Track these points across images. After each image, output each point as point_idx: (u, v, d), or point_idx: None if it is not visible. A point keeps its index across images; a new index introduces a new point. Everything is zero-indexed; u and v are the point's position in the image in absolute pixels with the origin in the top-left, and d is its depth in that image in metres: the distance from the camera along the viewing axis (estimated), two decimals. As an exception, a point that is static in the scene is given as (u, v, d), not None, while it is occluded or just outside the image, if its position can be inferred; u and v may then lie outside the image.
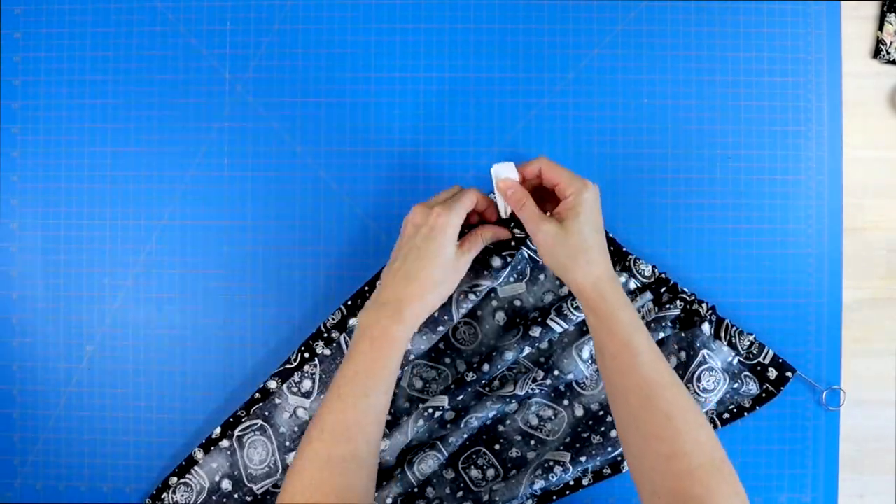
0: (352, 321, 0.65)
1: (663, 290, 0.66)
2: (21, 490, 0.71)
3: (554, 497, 0.67)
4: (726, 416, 0.68)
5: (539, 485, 0.64)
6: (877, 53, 0.69)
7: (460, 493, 0.67)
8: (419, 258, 0.55)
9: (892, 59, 0.69)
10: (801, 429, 0.69)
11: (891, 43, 0.69)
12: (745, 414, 0.67)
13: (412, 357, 0.63)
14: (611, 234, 0.67)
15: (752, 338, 0.66)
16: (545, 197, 0.59)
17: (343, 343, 0.65)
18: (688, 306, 0.66)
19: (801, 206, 0.69)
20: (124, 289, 0.70)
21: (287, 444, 0.66)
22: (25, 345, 0.71)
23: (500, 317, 0.68)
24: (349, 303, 0.67)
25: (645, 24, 0.69)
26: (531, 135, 0.69)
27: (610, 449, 0.65)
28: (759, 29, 0.69)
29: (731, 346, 0.66)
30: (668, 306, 0.66)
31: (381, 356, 0.54)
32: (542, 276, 0.68)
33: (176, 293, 0.70)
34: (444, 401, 0.64)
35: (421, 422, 0.64)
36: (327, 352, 0.66)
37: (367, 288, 0.67)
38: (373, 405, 0.54)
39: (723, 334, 0.66)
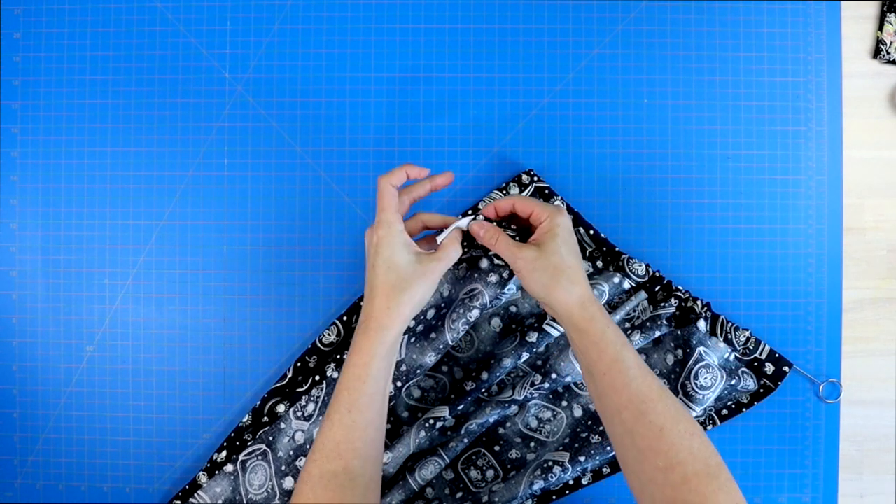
0: None
1: (657, 288, 0.66)
2: (21, 490, 0.71)
3: (553, 497, 0.67)
4: (724, 412, 0.68)
5: (538, 485, 0.64)
6: (877, 53, 0.69)
7: (459, 494, 0.67)
8: (373, 276, 0.56)
9: (892, 59, 0.69)
10: (801, 429, 0.69)
11: (891, 43, 0.69)
12: (744, 410, 0.67)
13: (404, 368, 0.63)
14: (602, 235, 0.67)
15: (747, 333, 0.66)
16: (520, 234, 0.60)
17: None
18: (682, 304, 0.66)
19: (801, 206, 0.69)
20: (124, 289, 0.70)
21: (283, 468, 0.65)
22: (25, 345, 0.71)
23: (496, 323, 0.68)
24: (344, 318, 0.67)
25: (645, 24, 0.69)
26: (531, 135, 0.69)
27: (609, 448, 0.65)
28: (759, 29, 0.69)
29: (728, 342, 0.66)
30: (662, 304, 0.66)
31: (359, 373, 0.54)
32: None
33: (176, 293, 0.70)
34: (444, 411, 0.64)
35: (423, 433, 0.64)
36: (336, 374, 0.65)
37: (361, 302, 0.67)
38: (357, 421, 0.54)
39: (718, 331, 0.66)
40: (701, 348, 0.64)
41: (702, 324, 0.65)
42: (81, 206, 0.70)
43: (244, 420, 0.67)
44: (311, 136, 0.70)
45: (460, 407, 0.65)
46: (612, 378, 0.53)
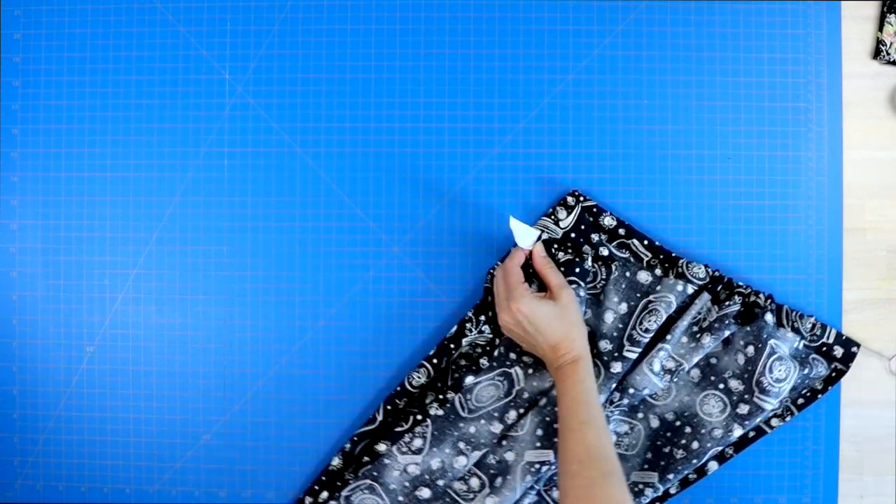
0: (468, 380, 0.66)
1: (719, 287, 0.66)
2: (21, 490, 0.71)
3: None
4: (801, 401, 0.67)
5: None
6: (877, 54, 0.69)
7: None
8: (536, 332, 0.61)
9: (892, 59, 0.69)
10: (801, 429, 0.69)
11: (891, 43, 0.69)
12: (819, 396, 0.67)
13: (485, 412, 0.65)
14: (657, 243, 0.67)
15: (812, 320, 0.66)
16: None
17: (457, 403, 0.65)
18: (746, 299, 0.66)
19: (801, 206, 0.69)
20: (124, 289, 0.70)
21: (400, 499, 0.66)
22: (25, 345, 0.71)
23: None
24: (434, 360, 0.67)
25: (645, 25, 0.69)
26: (532, 135, 0.69)
27: (695, 461, 0.65)
28: (759, 29, 0.69)
29: (795, 330, 0.66)
30: (727, 303, 0.65)
31: (579, 389, 0.60)
32: (602, 303, 0.67)
33: (176, 293, 0.70)
34: (549, 455, 0.64)
35: (528, 477, 0.64)
36: (440, 412, 0.66)
37: (451, 345, 0.67)
38: (599, 426, 0.59)
39: (785, 321, 0.66)
40: (772, 341, 0.64)
41: (769, 317, 0.65)
42: (81, 206, 0.70)
43: (334, 463, 0.67)
44: (311, 137, 0.70)
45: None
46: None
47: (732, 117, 0.69)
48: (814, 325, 0.66)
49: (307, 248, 0.70)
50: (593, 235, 0.67)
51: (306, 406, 0.69)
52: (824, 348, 0.67)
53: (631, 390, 0.65)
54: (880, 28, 0.69)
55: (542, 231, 0.66)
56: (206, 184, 0.70)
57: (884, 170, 0.70)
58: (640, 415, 0.67)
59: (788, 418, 0.67)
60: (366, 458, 0.67)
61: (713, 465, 0.67)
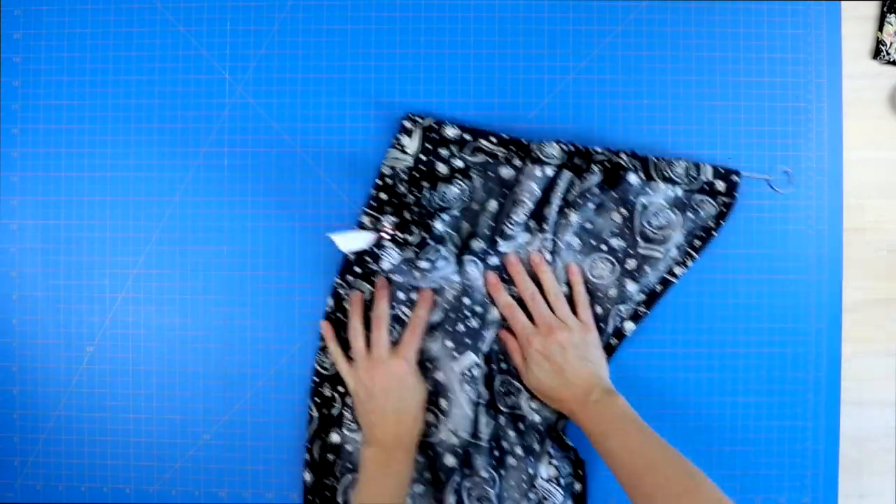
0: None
1: (575, 160, 0.66)
2: (21, 490, 0.71)
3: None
4: (697, 243, 0.67)
5: (630, 325, 0.67)
6: (877, 54, 0.69)
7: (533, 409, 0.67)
8: (401, 407, 0.63)
9: (892, 59, 0.69)
10: (801, 429, 0.69)
11: (891, 43, 0.69)
12: (714, 233, 0.67)
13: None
14: (505, 135, 0.67)
15: (683, 163, 0.66)
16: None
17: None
18: (607, 165, 0.66)
19: (801, 206, 0.69)
20: (124, 289, 0.70)
21: None
22: (25, 345, 0.71)
23: (494, 205, 0.68)
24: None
25: (645, 25, 0.69)
26: (532, 135, 0.69)
27: (602, 325, 0.66)
28: (759, 29, 0.69)
29: (667, 180, 0.66)
30: (584, 175, 0.65)
31: (396, 481, 0.61)
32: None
33: (176, 293, 0.70)
34: (470, 357, 0.65)
35: (466, 387, 0.65)
36: (341, 388, 0.68)
37: (338, 315, 0.68)
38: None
39: (654, 173, 0.66)
40: (640, 199, 0.65)
41: (632, 177, 0.65)
42: (81, 206, 0.70)
43: (307, 479, 0.68)
44: (311, 137, 0.70)
45: (483, 346, 0.65)
46: (620, 462, 0.58)
47: (732, 117, 0.69)
48: (686, 169, 0.66)
49: (307, 248, 0.70)
50: (442, 150, 0.67)
51: (306, 406, 0.69)
52: (706, 187, 0.66)
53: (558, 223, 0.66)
54: (880, 28, 0.69)
55: (370, 226, 0.65)
56: (206, 184, 0.70)
57: (884, 170, 0.70)
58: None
59: (690, 263, 0.67)
60: (330, 457, 0.67)
61: (629, 326, 0.67)
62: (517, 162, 0.67)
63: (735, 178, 0.66)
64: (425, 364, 0.67)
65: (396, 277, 0.65)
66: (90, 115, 0.70)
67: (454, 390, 0.65)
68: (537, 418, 0.67)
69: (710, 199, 0.66)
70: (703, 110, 0.69)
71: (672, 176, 0.66)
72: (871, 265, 0.70)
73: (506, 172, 0.67)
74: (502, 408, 0.67)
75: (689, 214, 0.66)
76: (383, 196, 0.67)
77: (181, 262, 0.70)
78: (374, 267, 0.66)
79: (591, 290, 0.67)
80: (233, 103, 0.70)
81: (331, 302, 0.68)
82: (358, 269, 0.68)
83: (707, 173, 0.66)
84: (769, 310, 0.69)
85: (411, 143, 0.67)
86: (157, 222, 0.70)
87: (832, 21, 0.69)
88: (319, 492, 0.67)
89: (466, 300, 0.66)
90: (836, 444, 0.69)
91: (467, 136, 0.67)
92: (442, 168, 0.67)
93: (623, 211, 0.65)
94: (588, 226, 0.67)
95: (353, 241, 0.63)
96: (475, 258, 0.66)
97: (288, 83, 0.70)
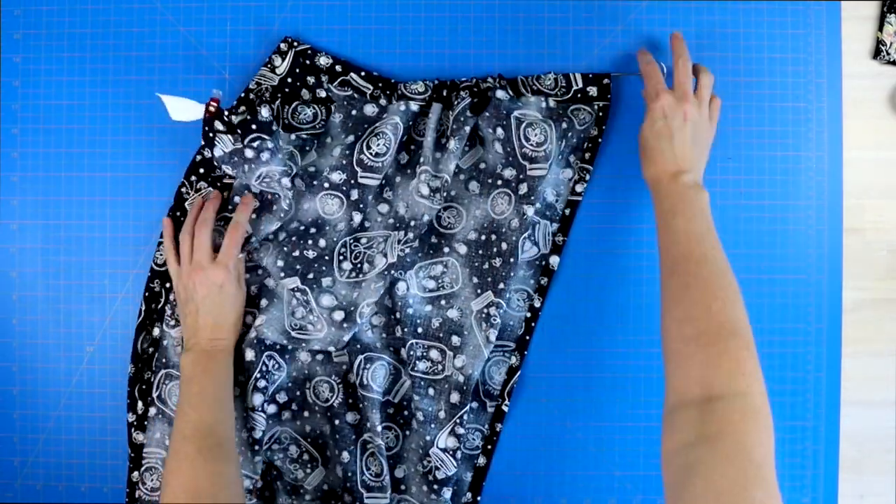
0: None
1: (444, 92, 0.66)
2: (21, 490, 0.71)
3: (528, 337, 0.68)
4: (587, 155, 0.67)
5: (493, 334, 0.65)
6: (877, 54, 0.69)
7: (430, 383, 0.66)
8: (219, 312, 0.63)
9: (892, 59, 0.69)
10: (801, 429, 0.69)
11: (891, 43, 0.69)
12: (600, 140, 0.67)
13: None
14: (374, 73, 0.68)
15: (551, 75, 0.66)
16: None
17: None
18: (476, 89, 0.66)
19: (801, 206, 0.69)
20: (124, 289, 0.70)
21: None
22: (25, 345, 0.71)
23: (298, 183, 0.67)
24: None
25: (645, 24, 0.69)
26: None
27: (513, 259, 0.65)
28: (759, 29, 0.69)
29: (537, 93, 0.66)
30: (455, 102, 0.65)
31: (218, 379, 0.62)
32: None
33: (176, 293, 0.70)
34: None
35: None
36: (168, 284, 0.68)
37: (178, 214, 0.68)
38: (223, 408, 0.61)
39: (522, 88, 0.66)
40: (515, 113, 0.64)
41: (500, 93, 0.65)
42: (81, 206, 0.70)
43: (130, 370, 0.68)
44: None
45: (310, 276, 0.65)
46: (683, 245, 0.56)
47: (732, 117, 0.69)
48: (556, 80, 0.66)
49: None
50: (309, 78, 0.67)
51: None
52: (579, 95, 0.66)
53: (413, 222, 0.65)
54: (880, 28, 0.69)
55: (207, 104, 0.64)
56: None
57: (884, 170, 0.70)
58: (447, 249, 0.68)
59: (588, 178, 0.67)
60: (150, 350, 0.68)
61: (555, 260, 0.68)
62: (383, 101, 0.67)
63: (606, 80, 0.66)
64: (256, 271, 0.67)
65: (227, 169, 0.65)
66: (90, 116, 0.70)
67: (280, 297, 0.65)
68: (461, 378, 0.66)
69: (584, 106, 0.67)
70: (703, 110, 0.69)
71: (541, 88, 0.66)
72: (871, 265, 0.70)
73: (369, 109, 0.67)
74: (413, 372, 0.66)
75: (565, 125, 0.66)
76: (242, 109, 0.67)
77: (181, 262, 0.70)
78: (216, 165, 0.66)
79: (496, 228, 0.67)
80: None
81: (173, 203, 0.68)
82: (202, 171, 0.68)
83: (578, 81, 0.66)
84: (769, 310, 0.69)
85: (282, 65, 0.67)
86: (157, 222, 0.70)
87: (832, 21, 0.69)
88: (138, 383, 0.68)
89: (313, 230, 0.65)
90: (836, 444, 0.69)
91: (338, 68, 0.67)
92: (305, 95, 0.67)
93: (500, 132, 0.65)
94: (482, 165, 0.67)
95: (183, 110, 0.62)
96: (337, 192, 0.65)
97: (288, 83, 0.70)
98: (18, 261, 0.71)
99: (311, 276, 0.65)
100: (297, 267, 0.65)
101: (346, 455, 0.64)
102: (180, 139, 0.70)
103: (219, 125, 0.61)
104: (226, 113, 0.62)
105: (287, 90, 0.67)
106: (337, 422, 0.65)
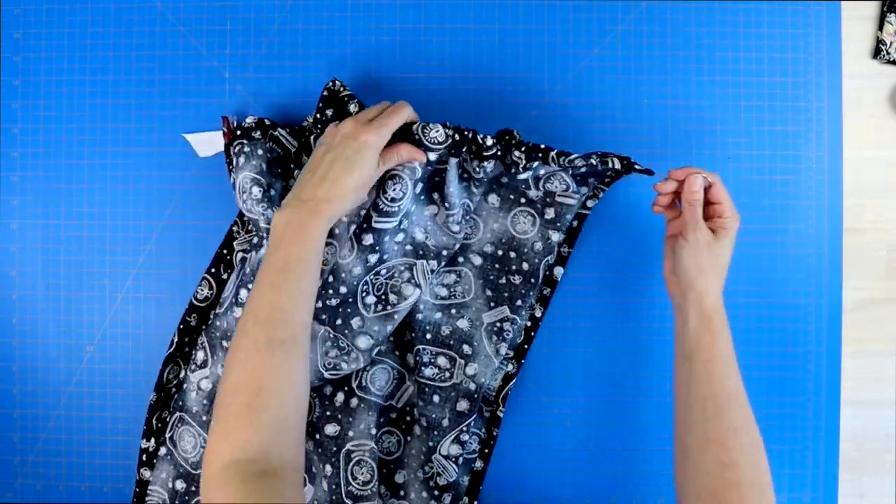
0: (226, 292, 0.66)
1: (465, 148, 0.63)
2: (21, 490, 0.71)
3: (526, 346, 0.68)
4: (607, 180, 0.66)
5: (503, 348, 0.66)
6: (877, 53, 0.69)
7: (433, 382, 0.66)
8: (345, 168, 0.58)
9: (892, 59, 0.69)
10: (801, 429, 0.69)
11: (891, 43, 0.69)
12: (624, 174, 0.64)
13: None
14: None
15: (580, 160, 0.61)
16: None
17: (229, 315, 0.65)
18: (497, 154, 0.63)
19: (801, 206, 0.69)
20: (124, 289, 0.70)
21: (203, 418, 0.65)
22: (25, 345, 0.71)
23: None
24: (213, 270, 0.68)
25: (645, 25, 0.69)
26: (532, 135, 0.69)
27: (534, 280, 0.66)
28: (759, 29, 0.69)
29: (563, 167, 0.63)
30: (478, 169, 0.64)
31: (307, 247, 0.56)
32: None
33: (176, 293, 0.70)
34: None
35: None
36: (219, 323, 0.66)
37: (225, 251, 0.68)
38: (304, 290, 0.56)
39: (552, 163, 0.63)
40: (539, 172, 0.64)
41: (524, 175, 0.65)
42: (81, 206, 0.70)
43: (152, 398, 0.67)
44: (311, 137, 0.70)
45: (337, 322, 0.64)
46: (712, 368, 0.57)
47: (732, 117, 0.69)
48: (588, 163, 0.61)
49: (307, 247, 0.70)
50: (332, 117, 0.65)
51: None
52: (610, 172, 0.64)
53: (444, 252, 0.66)
54: (880, 28, 0.69)
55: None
56: (205, 183, 0.70)
57: (884, 170, 0.70)
58: (461, 259, 0.68)
59: (601, 195, 0.67)
60: (173, 390, 0.67)
61: (558, 271, 0.68)
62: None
63: (638, 167, 0.62)
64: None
65: (236, 196, 0.64)
66: (90, 115, 0.70)
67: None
68: (472, 386, 0.65)
69: (615, 159, 0.62)
70: (703, 110, 0.69)
71: (570, 166, 0.63)
72: (871, 265, 0.70)
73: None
74: (420, 378, 0.66)
75: (592, 180, 0.65)
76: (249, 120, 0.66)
77: (181, 262, 0.70)
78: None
79: (517, 247, 0.67)
80: (233, 103, 0.70)
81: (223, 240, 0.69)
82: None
83: (614, 163, 0.62)
84: (769, 310, 0.69)
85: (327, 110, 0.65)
86: (157, 222, 0.70)
87: (832, 21, 0.69)
88: (157, 412, 0.67)
89: (331, 278, 0.64)
90: (836, 444, 0.69)
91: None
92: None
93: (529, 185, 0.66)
94: (504, 180, 0.67)
95: (208, 143, 0.64)
96: (351, 238, 0.64)
97: (288, 83, 0.70)
98: (18, 260, 0.71)
99: (339, 321, 0.64)
100: (324, 317, 0.64)
101: (328, 468, 0.63)
102: (181, 139, 0.70)
103: (239, 143, 0.63)
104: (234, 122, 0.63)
105: (311, 130, 0.66)
106: (318, 436, 0.64)
